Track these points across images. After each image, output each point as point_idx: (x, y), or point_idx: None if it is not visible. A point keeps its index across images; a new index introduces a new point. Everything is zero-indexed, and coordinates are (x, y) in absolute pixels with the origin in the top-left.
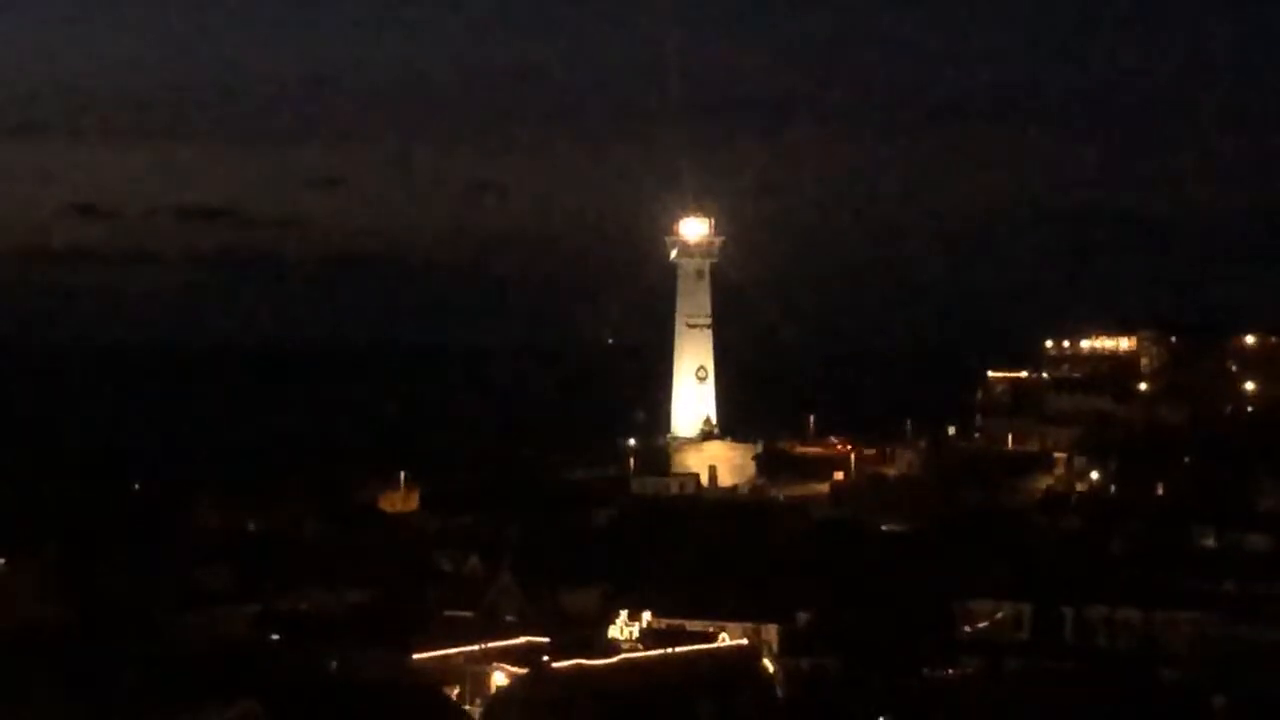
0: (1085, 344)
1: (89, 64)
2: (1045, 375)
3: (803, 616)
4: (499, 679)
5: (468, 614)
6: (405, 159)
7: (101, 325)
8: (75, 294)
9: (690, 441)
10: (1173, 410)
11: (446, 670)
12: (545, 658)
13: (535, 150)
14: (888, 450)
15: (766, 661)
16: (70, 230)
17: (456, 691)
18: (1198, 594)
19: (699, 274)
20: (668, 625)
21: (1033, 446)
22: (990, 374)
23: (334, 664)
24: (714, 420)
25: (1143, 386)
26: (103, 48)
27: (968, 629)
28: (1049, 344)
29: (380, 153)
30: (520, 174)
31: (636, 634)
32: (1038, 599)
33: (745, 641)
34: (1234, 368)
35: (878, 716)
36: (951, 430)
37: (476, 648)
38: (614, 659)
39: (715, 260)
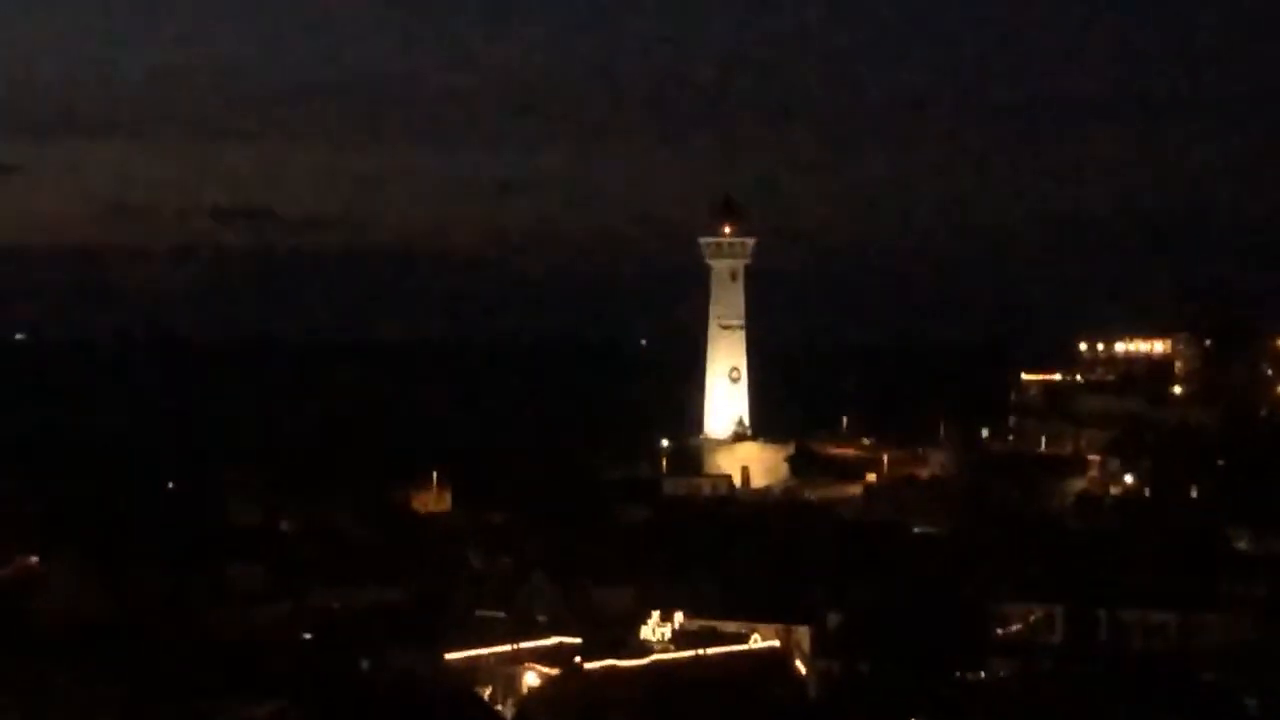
0: (1119, 346)
1: (125, 64)
2: (1079, 377)
3: (834, 618)
4: (531, 679)
5: (499, 614)
6: (437, 158)
7: (137, 322)
8: (111, 292)
9: (723, 442)
10: (1206, 413)
11: (478, 670)
12: (577, 658)
13: (568, 149)
14: (920, 451)
15: (798, 663)
16: (106, 229)
17: (488, 691)
18: (1231, 597)
19: (733, 275)
20: (700, 626)
21: (1066, 448)
22: (1023, 375)
23: (366, 663)
24: (746, 421)
25: (1176, 389)
26: (139, 48)
27: (1001, 631)
28: (1082, 346)
29: (412, 152)
30: (552, 173)
31: (668, 635)
32: (1071, 601)
33: (777, 643)
34: (1268, 370)
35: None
36: (985, 432)
37: (508, 648)
38: (646, 660)
39: (749, 261)
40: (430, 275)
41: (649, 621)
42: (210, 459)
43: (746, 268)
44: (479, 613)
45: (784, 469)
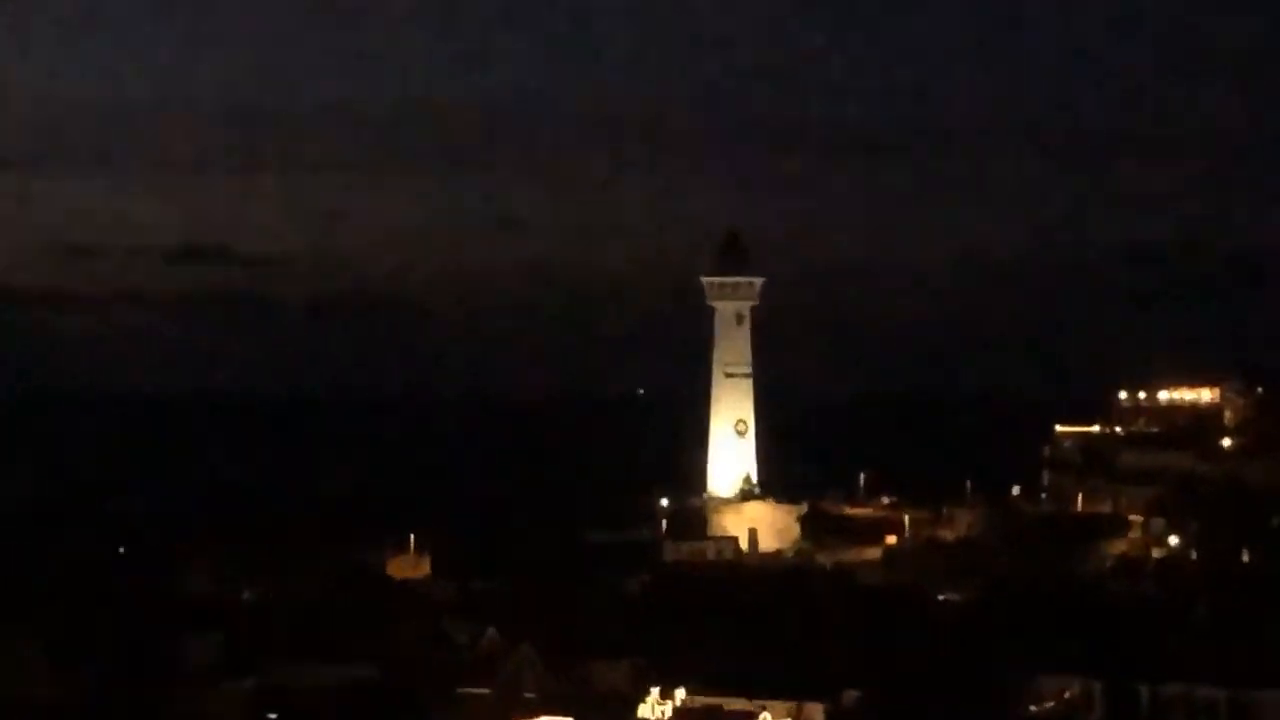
0: (1163, 395)
1: (74, 93)
2: (1119, 430)
3: (851, 695)
4: None
5: (484, 691)
6: (413, 191)
7: (85, 370)
8: (58, 336)
9: (728, 502)
10: (1259, 468)
11: None
12: None
13: (557, 182)
14: (945, 512)
15: None
16: (53, 269)
17: None
18: None
19: (738, 318)
20: (704, 704)
21: (1105, 508)
22: (1058, 428)
23: None
24: (754, 478)
25: (1226, 442)
26: (88, 76)
27: (1034, 709)
28: (1123, 395)
29: (386, 185)
30: (540, 208)
31: (669, 713)
32: (1111, 675)
33: None
34: None
35: None
36: (1016, 490)
37: None
38: None
39: (756, 303)
40: (406, 322)
41: (648, 699)
42: (164, 522)
43: (753, 310)
44: (461, 690)
45: (796, 531)
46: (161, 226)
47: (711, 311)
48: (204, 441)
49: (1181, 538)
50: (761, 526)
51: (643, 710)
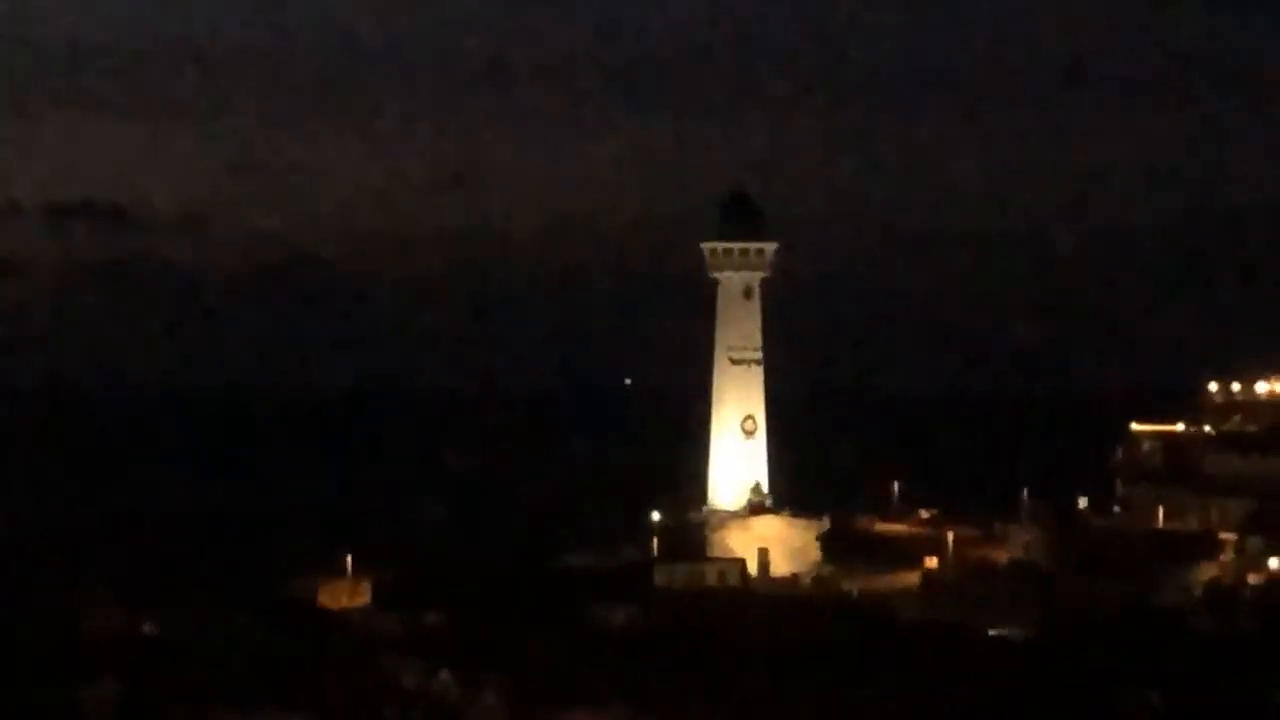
0: (1262, 387)
1: None
2: (1208, 428)
3: None
4: None
5: None
6: (353, 142)
7: None
8: None
9: (733, 516)
10: None
11: None
12: None
13: (523, 130)
14: (997, 528)
15: None
16: None
17: None
18: None
19: (746, 292)
20: None
21: (1191, 523)
22: (1134, 427)
23: None
24: (765, 488)
25: None
26: None
27: None
28: (1213, 387)
29: (320, 134)
30: (502, 161)
31: None
32: None
33: None
34: None
35: None
36: (1083, 502)
37: None
38: None
39: (768, 274)
40: (343, 296)
41: None
42: (43, 543)
43: (765, 282)
44: None
45: (815, 552)
46: (44, 180)
47: (714, 284)
48: (94, 445)
49: None
50: (773, 546)
51: None
